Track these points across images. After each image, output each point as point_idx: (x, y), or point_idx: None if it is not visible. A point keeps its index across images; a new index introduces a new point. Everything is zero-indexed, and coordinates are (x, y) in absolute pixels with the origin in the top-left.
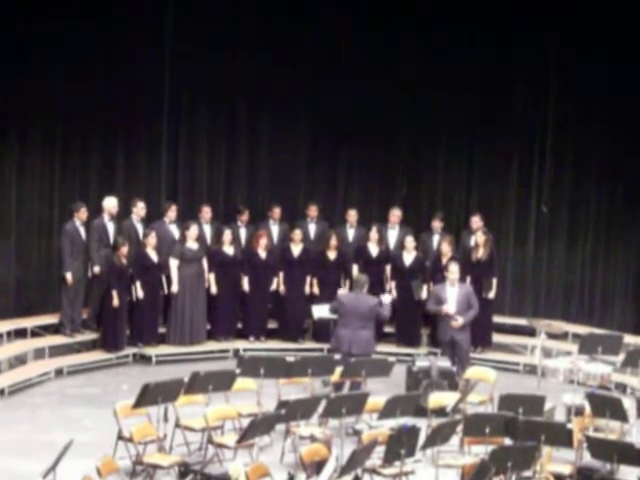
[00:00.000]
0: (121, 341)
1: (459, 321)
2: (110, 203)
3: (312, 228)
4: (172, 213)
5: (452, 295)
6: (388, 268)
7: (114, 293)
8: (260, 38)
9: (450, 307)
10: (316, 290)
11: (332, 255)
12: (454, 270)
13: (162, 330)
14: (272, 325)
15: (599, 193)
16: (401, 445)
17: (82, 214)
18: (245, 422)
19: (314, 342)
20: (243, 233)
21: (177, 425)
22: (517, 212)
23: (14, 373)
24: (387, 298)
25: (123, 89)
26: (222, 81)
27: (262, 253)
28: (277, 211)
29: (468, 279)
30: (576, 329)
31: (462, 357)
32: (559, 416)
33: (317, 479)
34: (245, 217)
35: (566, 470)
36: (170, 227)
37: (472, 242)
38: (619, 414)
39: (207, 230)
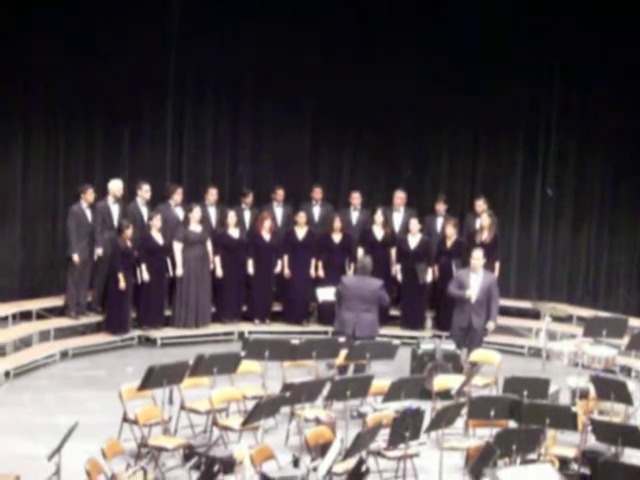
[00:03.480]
0: (126, 323)
1: (491, 326)
2: (115, 186)
3: (317, 211)
4: (177, 196)
5: (475, 282)
6: (393, 251)
7: (120, 275)
8: (265, 21)
9: (472, 292)
10: (321, 273)
11: (337, 238)
12: (478, 256)
13: (167, 313)
14: (277, 308)
15: (604, 176)
16: (406, 428)
17: (89, 196)
18: (250, 404)
19: (319, 325)
20: (247, 215)
21: (182, 407)
22: (522, 195)
23: (19, 355)
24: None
25: (128, 71)
26: (227, 63)
27: (266, 235)
28: (280, 193)
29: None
30: (581, 312)
31: (474, 343)
32: (564, 399)
33: (322, 461)
34: (249, 199)
35: (571, 453)
36: (176, 210)
37: (477, 225)
38: (624, 397)
39: (212, 212)
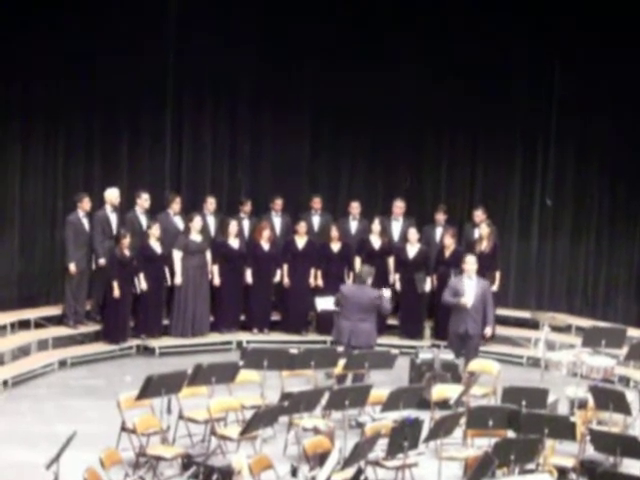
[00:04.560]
0: (124, 333)
1: (489, 331)
2: (112, 194)
3: (316, 220)
4: (176, 205)
5: (470, 288)
6: (391, 260)
7: (114, 284)
8: (263, 28)
9: (468, 299)
10: (320, 282)
11: (336, 247)
12: (471, 261)
13: (165, 322)
14: (275, 317)
15: (603, 186)
16: (404, 437)
17: (85, 205)
18: (248, 414)
19: (317, 334)
20: (246, 224)
21: (180, 417)
22: (521, 205)
23: (17, 364)
24: (387, 292)
25: (126, 80)
26: (225, 72)
27: (265, 245)
28: (279, 203)
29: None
30: (580, 322)
31: (471, 351)
32: (562, 409)
33: (320, 471)
34: (247, 208)
35: (569, 463)
36: (174, 219)
37: (476, 235)
38: (622, 407)
39: (211, 221)
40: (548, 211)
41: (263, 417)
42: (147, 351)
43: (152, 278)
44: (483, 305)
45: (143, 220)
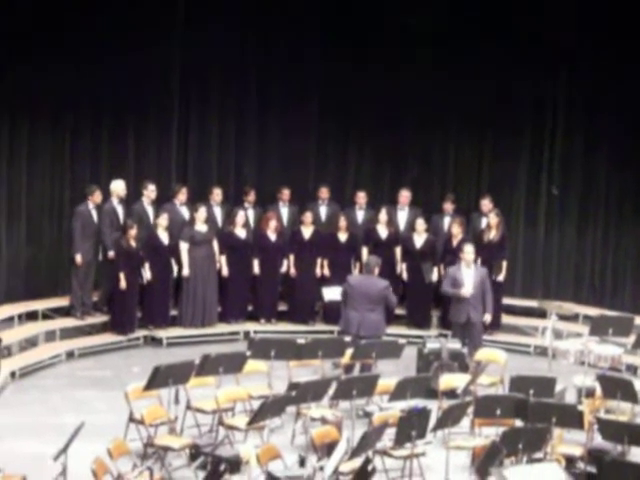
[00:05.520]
0: (132, 323)
1: (489, 319)
2: (118, 186)
3: (323, 210)
4: (182, 196)
5: (469, 277)
6: (398, 250)
7: (121, 275)
8: (270, 21)
9: (467, 289)
10: (327, 272)
11: (343, 237)
12: (469, 250)
13: (173, 312)
14: (283, 307)
15: (610, 175)
16: (412, 427)
17: (96, 197)
18: (256, 404)
19: (324, 324)
20: (251, 214)
21: (188, 407)
22: (528, 194)
23: (25, 355)
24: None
25: (133, 71)
26: (232, 63)
27: (271, 235)
28: (286, 193)
29: (479, 261)
30: (587, 311)
31: (475, 338)
32: (570, 398)
33: (328, 461)
34: (252, 197)
35: (577, 452)
36: (181, 209)
37: (483, 224)
38: (630, 396)
39: (218, 212)
40: (555, 200)
41: (271, 407)
42: (154, 342)
43: (159, 269)
44: (482, 292)
45: (150, 211)
